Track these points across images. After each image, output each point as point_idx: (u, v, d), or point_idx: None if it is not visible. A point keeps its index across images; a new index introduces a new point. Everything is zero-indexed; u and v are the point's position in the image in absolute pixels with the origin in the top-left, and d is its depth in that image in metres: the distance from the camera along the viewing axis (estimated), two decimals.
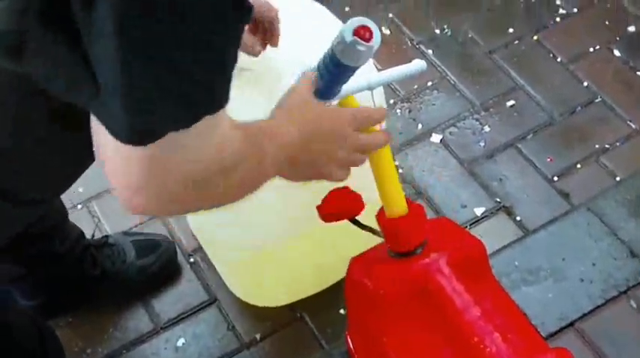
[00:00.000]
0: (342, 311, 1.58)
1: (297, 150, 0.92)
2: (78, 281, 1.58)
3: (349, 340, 1.42)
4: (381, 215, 1.19)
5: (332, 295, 1.59)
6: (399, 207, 1.16)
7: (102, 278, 1.59)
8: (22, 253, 1.47)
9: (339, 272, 1.49)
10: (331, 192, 1.29)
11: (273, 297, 1.61)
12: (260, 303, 1.61)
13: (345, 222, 1.28)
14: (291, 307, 1.60)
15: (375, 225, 1.22)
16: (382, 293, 1.16)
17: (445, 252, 1.16)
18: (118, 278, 1.61)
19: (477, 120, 1.88)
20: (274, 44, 1.19)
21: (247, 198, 0.90)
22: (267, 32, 1.17)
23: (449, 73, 1.98)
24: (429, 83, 1.96)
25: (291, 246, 1.46)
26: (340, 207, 1.29)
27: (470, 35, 2.05)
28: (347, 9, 2.09)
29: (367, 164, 1.18)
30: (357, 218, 1.29)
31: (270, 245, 1.45)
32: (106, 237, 1.65)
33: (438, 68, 1.99)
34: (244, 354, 1.57)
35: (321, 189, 1.28)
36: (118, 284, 1.62)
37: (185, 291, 1.66)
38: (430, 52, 2.02)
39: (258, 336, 1.59)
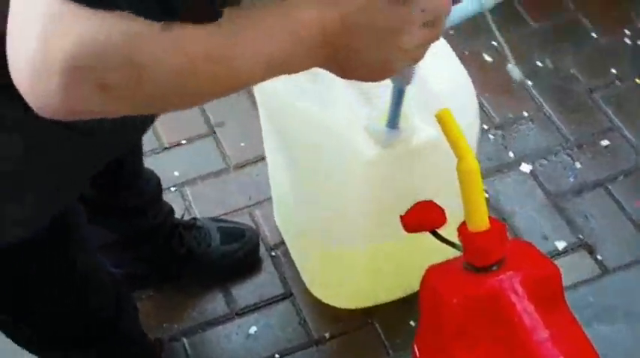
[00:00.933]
0: (412, 323, 1.61)
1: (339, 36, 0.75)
2: (163, 256, 1.65)
3: (416, 349, 1.45)
4: (462, 228, 1.22)
5: (405, 306, 1.62)
6: (481, 221, 1.19)
7: (186, 258, 1.66)
8: (115, 220, 1.55)
9: (415, 285, 1.53)
10: (417, 204, 1.34)
11: (347, 299, 1.65)
12: (334, 303, 1.66)
13: (428, 235, 1.32)
14: (364, 311, 1.65)
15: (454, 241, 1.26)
16: (454, 302, 1.19)
17: (521, 272, 1.18)
18: (201, 260, 1.68)
19: (568, 155, 1.89)
20: None
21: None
22: None
23: (546, 106, 1.99)
24: (525, 113, 1.98)
25: (374, 251, 1.51)
26: (424, 218, 1.33)
27: (571, 71, 2.06)
28: (451, 32, 2.13)
29: (454, 181, 1.23)
30: (438, 231, 1.33)
31: (353, 247, 1.50)
32: (195, 219, 1.72)
33: (536, 100, 2.01)
34: (311, 350, 1.62)
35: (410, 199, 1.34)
36: (200, 266, 1.69)
37: (263, 282, 1.72)
38: (530, 83, 2.04)
39: (327, 335, 1.63)
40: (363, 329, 1.64)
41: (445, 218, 1.33)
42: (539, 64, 2.09)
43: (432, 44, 0.82)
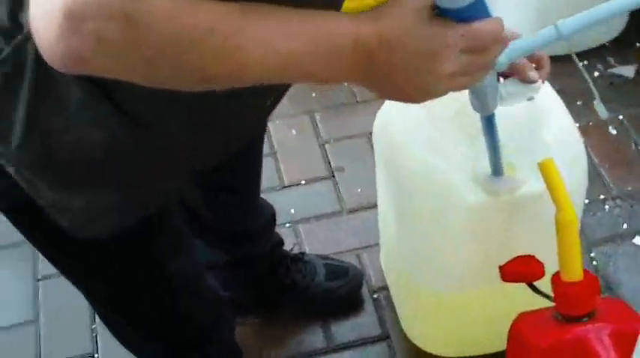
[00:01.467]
0: None
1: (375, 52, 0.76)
2: (268, 284, 1.73)
3: None
4: (555, 277, 1.24)
5: None
6: (575, 271, 1.21)
7: (290, 288, 1.73)
8: (227, 243, 1.64)
9: (503, 343, 1.54)
10: (517, 257, 1.37)
11: (441, 347, 1.67)
12: (428, 350, 1.68)
13: (523, 287, 1.34)
14: None
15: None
16: (541, 347, 1.20)
17: (611, 325, 1.19)
18: (304, 293, 1.74)
19: None
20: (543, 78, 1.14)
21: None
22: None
23: None
24: None
25: (473, 299, 1.53)
26: (523, 270, 1.35)
27: None
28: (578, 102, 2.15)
29: (554, 239, 1.25)
30: (534, 284, 1.35)
31: (447, 291, 1.53)
32: (303, 253, 1.79)
33: None
34: None
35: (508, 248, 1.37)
36: (302, 298, 1.75)
37: (362, 322, 1.76)
38: None
39: None
40: None
41: (543, 272, 1.35)
42: None
43: (479, 73, 0.82)
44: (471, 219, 1.39)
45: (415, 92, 0.82)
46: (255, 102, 1.06)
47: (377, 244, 1.85)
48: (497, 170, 1.32)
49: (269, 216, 1.69)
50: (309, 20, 0.76)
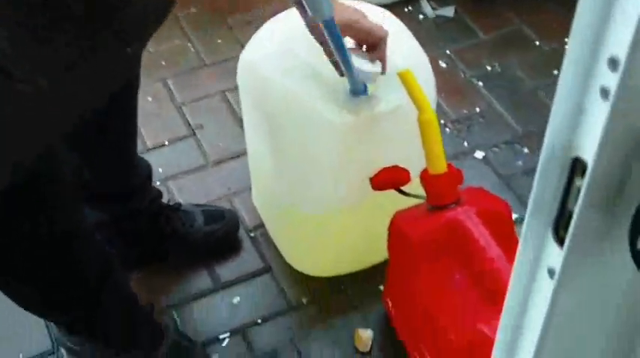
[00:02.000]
0: (380, 287, 1.76)
1: None
2: (151, 236, 1.80)
3: (388, 301, 1.61)
4: (424, 173, 1.40)
5: (373, 273, 1.78)
6: (440, 165, 1.37)
7: (172, 237, 1.81)
8: (107, 202, 1.71)
9: (380, 255, 1.70)
10: (384, 168, 1.52)
11: (320, 269, 1.81)
12: (309, 272, 1.81)
13: (391, 202, 1.49)
14: (336, 279, 1.80)
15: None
16: (419, 237, 1.36)
17: (476, 207, 1.36)
18: (186, 239, 1.83)
19: (517, 143, 2.09)
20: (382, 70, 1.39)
21: None
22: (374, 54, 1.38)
23: (496, 102, 2.20)
24: (477, 109, 2.18)
25: (343, 216, 1.67)
26: (390, 178, 1.51)
27: (518, 74, 2.27)
28: None
29: (415, 145, 1.41)
30: (402, 189, 1.51)
31: (325, 213, 1.66)
32: (179, 204, 1.88)
33: (487, 98, 2.21)
34: (291, 314, 1.77)
35: (376, 163, 1.51)
36: (185, 245, 1.84)
37: (244, 259, 1.87)
38: (480, 84, 2.25)
39: (304, 301, 1.78)
40: (336, 294, 1.79)
41: (409, 176, 1.51)
42: (488, 68, 2.30)
43: None
44: (337, 140, 1.53)
45: None
46: (115, 48, 1.10)
47: (245, 189, 1.97)
48: (354, 88, 1.45)
49: (147, 171, 1.76)
50: None
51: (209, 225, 1.86)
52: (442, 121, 2.13)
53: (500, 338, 0.64)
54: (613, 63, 0.40)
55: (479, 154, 2.06)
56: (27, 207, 1.26)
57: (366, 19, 1.36)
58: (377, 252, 1.72)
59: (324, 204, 1.65)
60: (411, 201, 1.48)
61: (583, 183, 0.44)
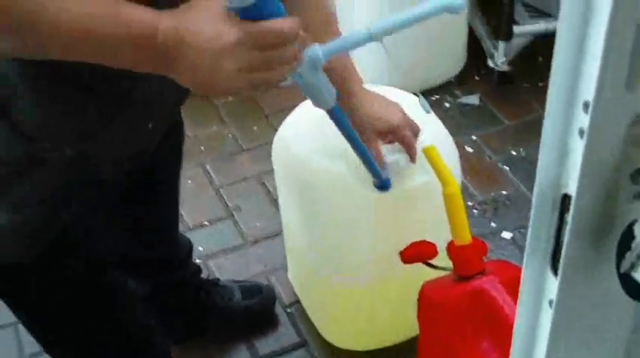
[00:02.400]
0: None
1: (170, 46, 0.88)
2: (192, 310, 1.89)
3: None
4: (450, 244, 1.49)
5: (405, 348, 1.85)
6: (465, 236, 1.46)
7: (212, 311, 1.90)
8: (147, 274, 1.81)
9: (412, 330, 1.77)
10: (413, 243, 1.61)
11: (358, 342, 1.88)
12: (342, 346, 1.88)
13: (424, 273, 1.57)
14: (369, 353, 1.87)
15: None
16: (447, 302, 1.44)
17: (500, 276, 1.44)
18: (225, 313, 1.92)
19: None
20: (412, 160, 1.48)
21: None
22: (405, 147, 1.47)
23: (522, 186, 2.29)
24: (504, 192, 2.27)
25: (374, 289, 1.75)
26: (419, 252, 1.60)
27: None
28: None
29: (443, 218, 1.50)
30: (431, 262, 1.60)
31: (355, 286, 1.75)
32: (218, 279, 1.98)
33: (513, 181, 2.31)
34: None
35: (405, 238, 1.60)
36: (225, 318, 1.92)
37: (281, 333, 1.96)
38: (507, 168, 2.35)
39: None
40: None
41: (436, 250, 1.59)
42: (513, 153, 2.40)
43: (279, 69, 0.90)
44: (370, 213, 1.63)
45: (208, 87, 0.91)
46: (136, 123, 1.22)
47: (281, 267, 2.07)
48: (377, 181, 1.54)
49: (188, 246, 1.87)
50: (117, 4, 0.89)
51: (247, 299, 1.94)
52: (469, 203, 2.22)
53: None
54: (586, 106, 0.49)
55: (506, 235, 2.14)
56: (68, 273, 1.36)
57: (402, 118, 1.43)
58: (409, 326, 1.79)
59: (356, 277, 1.74)
60: (440, 274, 1.56)
61: (569, 215, 0.53)
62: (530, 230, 0.60)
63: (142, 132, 1.27)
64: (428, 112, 1.56)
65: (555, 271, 0.60)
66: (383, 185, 1.54)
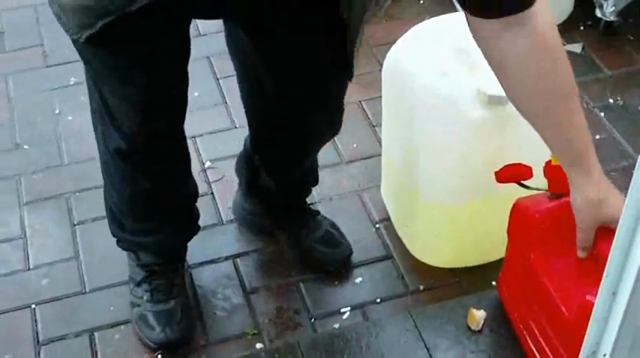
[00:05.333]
0: (493, 283, 1.90)
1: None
2: (283, 204, 2.00)
3: (502, 286, 1.75)
4: (548, 164, 1.55)
5: (489, 269, 1.93)
6: None
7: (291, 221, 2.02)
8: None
9: (497, 253, 1.84)
10: (508, 164, 1.67)
11: (440, 259, 1.96)
12: (428, 262, 1.97)
13: (516, 196, 1.63)
14: (453, 271, 1.96)
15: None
16: (540, 214, 1.51)
17: None
18: (299, 244, 2.02)
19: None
20: None
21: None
22: None
23: (616, 132, 2.32)
24: (597, 136, 2.31)
25: (472, 208, 1.82)
26: (514, 173, 1.66)
27: (639, 108, 2.40)
28: None
29: (540, 147, 1.56)
30: (525, 183, 1.66)
31: (449, 204, 1.83)
32: (319, 212, 2.07)
33: (606, 127, 2.34)
34: (407, 298, 1.93)
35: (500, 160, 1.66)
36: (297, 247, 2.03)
37: (367, 247, 2.05)
38: (602, 114, 2.38)
39: (421, 287, 1.94)
40: (452, 284, 1.94)
41: (532, 172, 1.65)
42: (611, 101, 2.43)
43: None
44: (472, 133, 1.70)
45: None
46: None
47: (374, 186, 2.16)
48: None
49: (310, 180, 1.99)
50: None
51: (323, 245, 2.00)
52: None
53: (599, 302, 0.80)
54: None
55: None
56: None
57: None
58: (495, 249, 1.86)
59: (450, 195, 1.81)
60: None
61: None
62: None
63: None
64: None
65: None
66: None
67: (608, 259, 0.85)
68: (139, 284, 1.86)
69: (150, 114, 1.57)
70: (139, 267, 1.86)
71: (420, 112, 1.75)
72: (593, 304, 1.34)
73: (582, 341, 0.92)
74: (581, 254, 1.44)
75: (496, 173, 1.68)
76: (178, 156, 1.74)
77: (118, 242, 1.89)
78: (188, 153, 1.77)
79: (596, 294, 1.33)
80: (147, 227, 1.80)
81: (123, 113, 1.56)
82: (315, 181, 2.00)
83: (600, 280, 0.87)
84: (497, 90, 1.61)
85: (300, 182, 1.97)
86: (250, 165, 1.92)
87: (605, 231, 1.41)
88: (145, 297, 1.84)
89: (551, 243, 1.49)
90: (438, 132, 1.73)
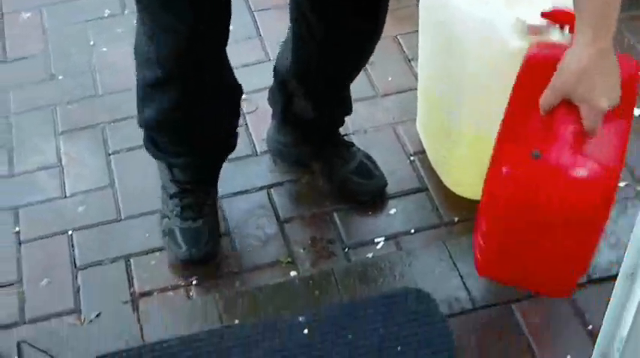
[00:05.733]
0: None
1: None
2: (319, 134, 2.02)
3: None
4: None
5: None
6: None
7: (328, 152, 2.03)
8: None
9: None
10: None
11: (474, 191, 1.93)
12: (463, 194, 1.96)
13: None
14: None
15: None
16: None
17: None
18: (333, 172, 2.03)
19: None
20: None
21: None
22: None
23: None
24: None
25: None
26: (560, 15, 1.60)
27: None
28: None
29: None
30: None
31: (485, 134, 1.80)
32: (353, 144, 2.07)
33: None
34: (441, 229, 1.93)
35: None
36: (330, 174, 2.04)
37: (402, 179, 2.04)
38: None
39: (456, 219, 1.94)
40: None
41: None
42: None
43: None
44: (511, 63, 1.67)
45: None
46: None
47: (409, 119, 2.14)
48: None
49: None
50: None
51: (357, 175, 2.00)
52: None
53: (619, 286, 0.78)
54: None
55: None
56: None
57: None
58: None
59: (486, 126, 1.79)
60: None
61: None
62: None
63: None
64: None
65: None
66: None
67: None
68: (171, 197, 1.88)
69: (193, 43, 1.59)
70: (172, 182, 1.87)
71: (459, 43, 1.72)
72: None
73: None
74: (541, 111, 1.41)
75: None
76: (222, 87, 1.77)
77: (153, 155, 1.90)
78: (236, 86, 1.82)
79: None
80: (179, 150, 1.81)
81: (166, 40, 1.58)
82: (349, 108, 1.99)
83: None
84: (537, 20, 1.62)
85: (338, 100, 1.96)
86: (284, 90, 1.92)
87: (570, 107, 1.38)
88: (175, 212, 1.86)
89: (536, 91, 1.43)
90: (477, 62, 1.70)
